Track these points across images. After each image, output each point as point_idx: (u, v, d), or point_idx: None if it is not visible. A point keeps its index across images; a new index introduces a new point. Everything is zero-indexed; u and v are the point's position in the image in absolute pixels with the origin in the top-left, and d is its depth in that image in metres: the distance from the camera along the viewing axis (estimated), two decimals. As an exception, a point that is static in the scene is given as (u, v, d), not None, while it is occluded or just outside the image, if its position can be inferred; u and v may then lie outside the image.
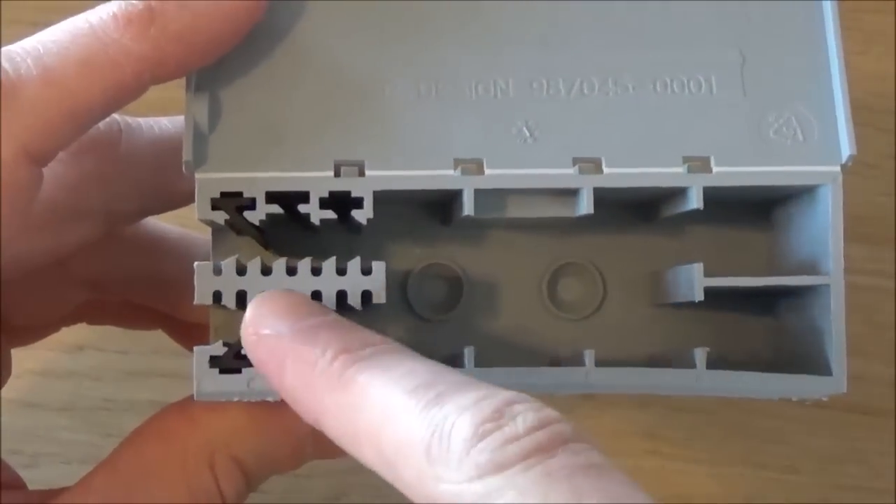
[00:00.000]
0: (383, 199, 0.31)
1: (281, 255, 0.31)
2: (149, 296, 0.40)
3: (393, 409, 0.25)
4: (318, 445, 0.33)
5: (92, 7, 0.30)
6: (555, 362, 0.34)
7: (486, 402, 0.24)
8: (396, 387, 0.26)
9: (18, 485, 0.35)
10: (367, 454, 0.26)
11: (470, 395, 0.25)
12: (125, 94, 0.30)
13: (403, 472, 0.25)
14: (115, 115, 0.34)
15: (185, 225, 0.38)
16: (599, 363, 0.31)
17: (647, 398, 0.49)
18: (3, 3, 0.46)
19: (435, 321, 0.35)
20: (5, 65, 0.28)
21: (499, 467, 0.23)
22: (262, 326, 0.29)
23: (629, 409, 0.49)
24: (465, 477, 0.23)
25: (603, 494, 0.23)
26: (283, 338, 0.28)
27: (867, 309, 0.50)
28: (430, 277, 0.35)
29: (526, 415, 0.24)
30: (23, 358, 0.47)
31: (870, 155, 0.51)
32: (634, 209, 0.35)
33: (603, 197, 0.31)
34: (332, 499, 0.47)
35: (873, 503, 0.48)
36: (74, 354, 0.49)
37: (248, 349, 0.29)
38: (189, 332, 0.38)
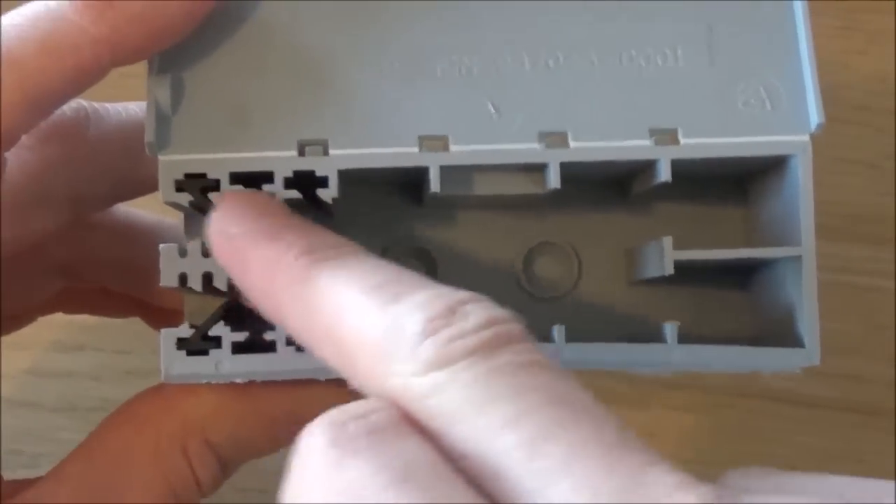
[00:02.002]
0: (353, 179, 0.31)
1: None
2: (124, 282, 0.40)
3: (352, 305, 0.26)
4: (294, 428, 0.33)
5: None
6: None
7: (440, 299, 0.25)
8: (357, 284, 0.26)
9: None
10: (325, 350, 0.27)
11: (425, 293, 0.25)
12: (85, 76, 0.30)
13: (358, 366, 0.25)
14: (82, 101, 0.34)
15: (160, 211, 0.38)
16: (576, 341, 0.31)
17: (645, 396, 0.48)
18: (2, 2, 0.46)
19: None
20: None
21: (444, 362, 0.23)
22: (228, 225, 0.29)
23: (628, 409, 0.49)
24: (413, 371, 0.24)
25: (544, 392, 0.23)
26: (247, 236, 0.28)
27: (867, 309, 0.49)
28: (403, 259, 0.34)
29: (476, 313, 0.24)
30: (22, 358, 0.48)
31: (870, 155, 0.51)
32: (608, 187, 0.34)
33: (572, 172, 0.31)
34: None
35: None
36: (73, 354, 0.49)
37: (213, 249, 0.29)
38: (165, 318, 0.38)
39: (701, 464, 0.48)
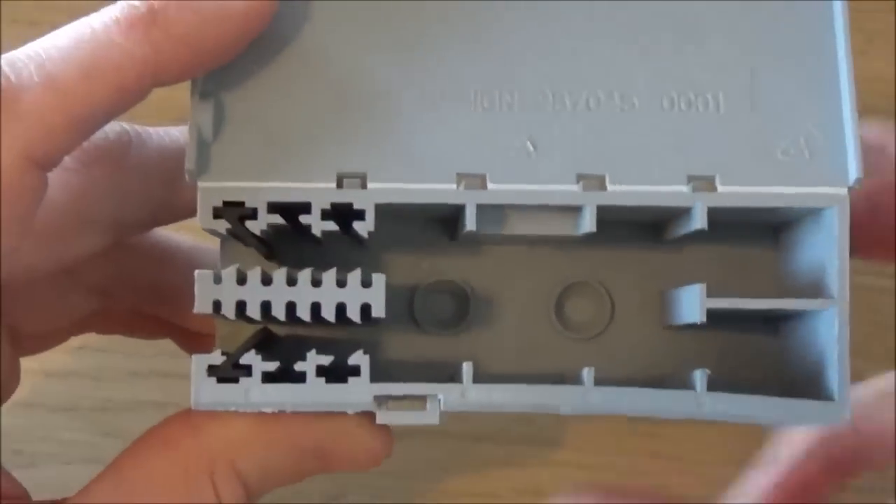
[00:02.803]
0: (388, 213, 0.31)
1: (286, 267, 0.31)
2: (158, 305, 0.39)
3: None
4: (321, 459, 0.33)
5: (91, 6, 0.30)
6: (560, 382, 0.33)
7: None
8: None
9: (20, 494, 0.35)
10: None
11: None
12: (128, 97, 0.30)
13: None
14: (125, 124, 0.34)
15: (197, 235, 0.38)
16: (605, 384, 0.30)
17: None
18: (2, 2, 0.46)
19: (441, 337, 0.34)
20: (7, 70, 0.28)
21: None
22: None
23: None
24: None
25: None
26: None
27: (867, 309, 0.50)
28: (436, 293, 0.35)
29: None
30: (23, 358, 0.47)
31: (870, 155, 0.51)
32: (643, 228, 0.34)
33: (608, 215, 0.31)
34: (332, 499, 0.47)
35: (873, 503, 0.48)
36: (75, 354, 0.49)
37: None
38: (197, 341, 0.38)
39: (703, 463, 0.48)
